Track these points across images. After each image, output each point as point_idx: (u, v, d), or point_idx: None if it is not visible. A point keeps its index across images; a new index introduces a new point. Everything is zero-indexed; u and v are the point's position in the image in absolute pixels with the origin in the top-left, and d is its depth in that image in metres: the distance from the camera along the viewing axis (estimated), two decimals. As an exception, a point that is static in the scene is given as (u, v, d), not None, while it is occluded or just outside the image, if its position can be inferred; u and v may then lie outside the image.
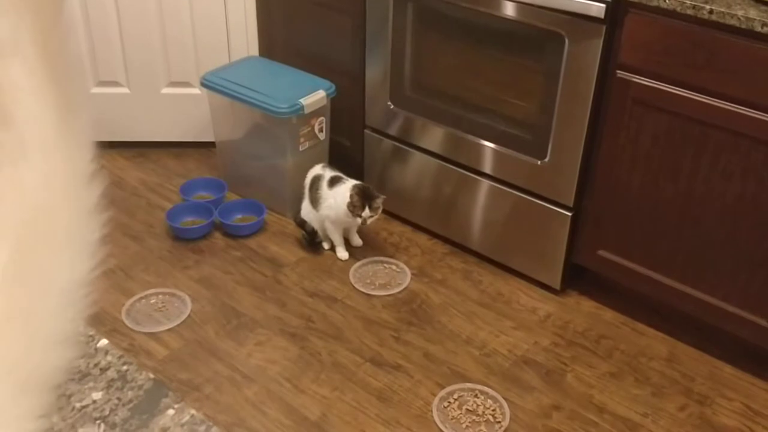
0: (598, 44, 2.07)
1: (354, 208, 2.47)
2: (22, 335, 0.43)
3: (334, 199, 2.53)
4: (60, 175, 0.46)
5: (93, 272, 0.47)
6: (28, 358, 0.43)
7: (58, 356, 0.45)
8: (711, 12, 1.87)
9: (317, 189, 2.59)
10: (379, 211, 2.51)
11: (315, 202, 2.60)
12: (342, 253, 2.62)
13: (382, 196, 2.51)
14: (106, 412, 0.76)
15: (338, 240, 2.62)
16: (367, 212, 2.47)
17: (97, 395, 0.78)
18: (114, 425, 0.75)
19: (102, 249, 0.47)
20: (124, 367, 0.81)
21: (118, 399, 0.78)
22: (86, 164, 0.47)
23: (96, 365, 0.81)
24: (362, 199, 2.47)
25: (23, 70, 0.44)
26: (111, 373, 0.81)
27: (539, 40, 2.20)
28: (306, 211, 2.65)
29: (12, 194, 0.43)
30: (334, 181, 2.57)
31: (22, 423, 0.43)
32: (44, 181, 0.45)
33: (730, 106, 1.93)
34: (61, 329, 0.45)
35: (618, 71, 2.09)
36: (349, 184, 2.53)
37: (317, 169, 2.65)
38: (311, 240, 2.64)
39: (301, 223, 2.65)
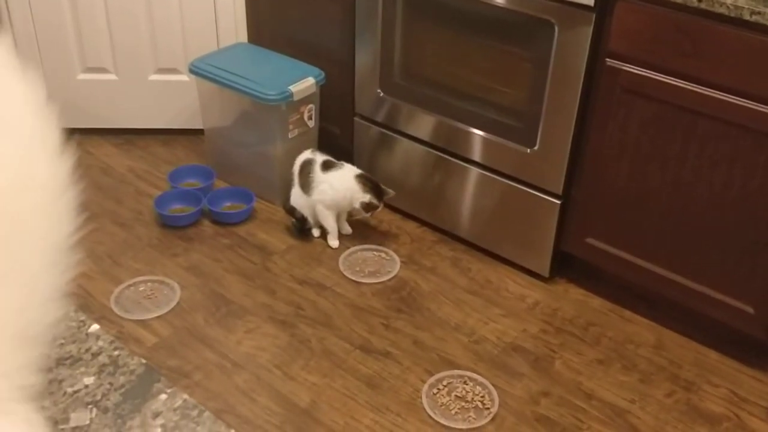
0: (588, 32, 2.08)
1: (371, 208, 2.54)
2: (15, 294, 0.46)
3: (331, 183, 2.53)
4: (35, 147, 0.50)
5: (76, 233, 0.50)
6: (21, 315, 0.46)
7: (48, 312, 0.48)
8: (700, 0, 1.87)
9: (309, 173, 2.58)
10: None
11: (306, 187, 2.59)
12: (333, 241, 2.62)
13: (391, 192, 2.57)
14: (98, 397, 0.76)
15: (332, 226, 2.61)
16: (380, 207, 2.56)
17: (88, 380, 0.78)
18: (106, 410, 0.75)
19: (82, 213, 0.51)
20: (116, 353, 0.81)
21: (110, 384, 0.77)
22: (56, 136, 0.51)
23: (87, 350, 0.81)
24: (378, 197, 2.53)
25: None
26: (102, 358, 0.80)
27: (529, 27, 2.20)
28: (295, 198, 2.64)
29: None
30: (328, 165, 2.57)
31: (23, 375, 0.46)
32: (21, 154, 0.49)
33: (718, 94, 1.94)
34: (52, 285, 0.49)
35: (607, 59, 2.09)
36: (349, 172, 2.55)
37: (306, 154, 2.64)
38: (301, 227, 2.64)
39: (291, 211, 2.64)
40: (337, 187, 2.53)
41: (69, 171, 0.51)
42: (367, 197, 2.52)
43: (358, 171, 2.57)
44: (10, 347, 0.45)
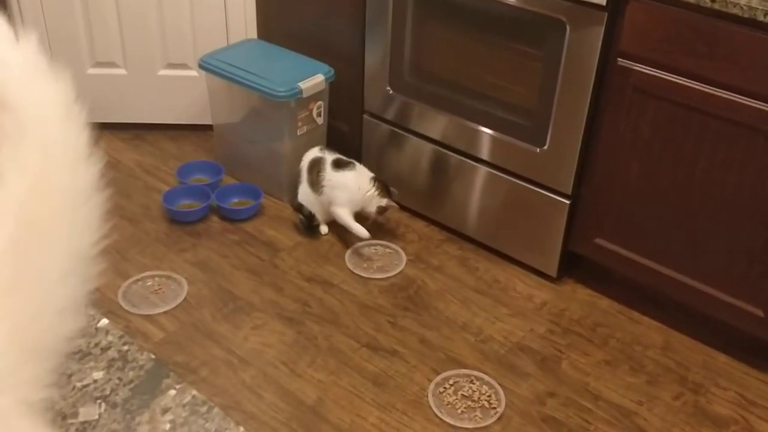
0: (600, 31, 2.07)
1: (385, 210, 2.56)
2: (29, 303, 0.45)
3: (345, 183, 2.54)
4: (59, 152, 0.48)
5: (97, 245, 0.49)
6: (34, 325, 0.45)
7: (63, 324, 0.47)
8: (713, 0, 1.86)
9: (318, 172, 2.58)
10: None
11: (316, 186, 2.58)
12: (363, 232, 2.56)
13: (395, 191, 2.59)
14: (107, 392, 0.76)
15: (352, 224, 2.56)
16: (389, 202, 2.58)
17: (97, 375, 0.78)
18: (115, 405, 0.74)
19: (105, 224, 0.50)
20: (125, 347, 0.81)
21: (119, 379, 0.77)
22: (84, 142, 0.50)
23: (97, 345, 0.81)
24: (391, 198, 2.55)
25: (18, 59, 0.48)
26: (112, 353, 0.80)
27: (540, 26, 2.19)
28: (303, 195, 2.64)
29: (14, 171, 0.46)
30: (339, 164, 2.57)
31: (29, 389, 0.44)
32: (44, 158, 0.47)
33: (730, 95, 1.92)
34: (66, 298, 0.47)
35: (619, 59, 2.08)
36: (363, 173, 2.57)
37: (315, 152, 2.64)
38: (309, 224, 2.64)
39: (299, 207, 2.64)
40: (352, 187, 2.52)
41: (95, 176, 0.50)
42: (384, 201, 2.54)
43: (370, 173, 2.58)
44: (19, 359, 0.44)
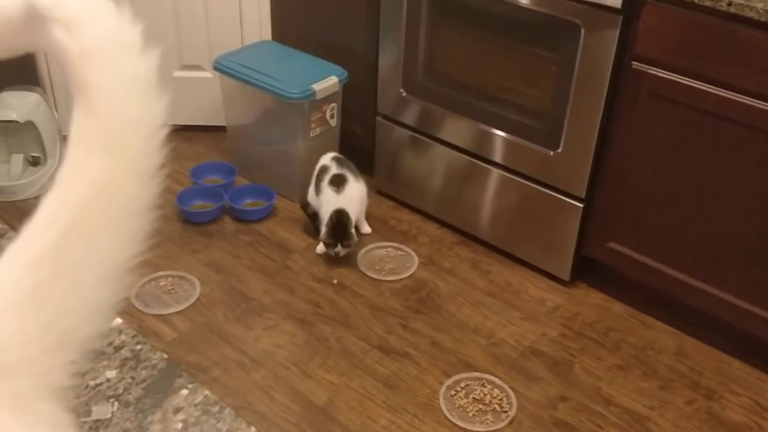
0: (615, 35, 2.06)
1: (327, 246, 2.48)
2: (65, 301, 0.46)
3: (328, 199, 2.51)
4: (134, 165, 0.49)
5: (137, 258, 0.50)
6: (66, 322, 0.46)
7: (92, 325, 0.48)
8: (729, 4, 1.85)
9: (321, 180, 2.58)
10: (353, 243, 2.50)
11: (318, 192, 2.59)
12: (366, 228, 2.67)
13: (355, 238, 2.49)
14: (120, 391, 0.76)
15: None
16: (339, 248, 2.46)
17: (110, 374, 0.78)
18: (128, 404, 0.75)
19: (151, 240, 0.51)
20: (138, 347, 0.81)
21: (132, 378, 0.78)
22: (156, 164, 0.50)
23: (110, 344, 0.82)
24: (335, 237, 2.45)
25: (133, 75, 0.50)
26: (125, 352, 0.81)
27: (555, 29, 2.18)
28: (312, 195, 2.64)
29: (73, 176, 0.47)
30: (334, 182, 2.54)
31: (52, 376, 0.45)
32: (109, 170, 0.48)
33: (746, 99, 1.91)
34: (100, 302, 0.48)
35: (634, 62, 2.07)
36: (335, 203, 2.48)
37: (326, 159, 2.63)
38: (313, 224, 2.64)
39: (305, 206, 2.64)
40: (324, 209, 2.51)
41: (155, 195, 0.51)
42: (322, 244, 2.50)
43: (339, 206, 2.47)
44: (46, 347, 0.45)
